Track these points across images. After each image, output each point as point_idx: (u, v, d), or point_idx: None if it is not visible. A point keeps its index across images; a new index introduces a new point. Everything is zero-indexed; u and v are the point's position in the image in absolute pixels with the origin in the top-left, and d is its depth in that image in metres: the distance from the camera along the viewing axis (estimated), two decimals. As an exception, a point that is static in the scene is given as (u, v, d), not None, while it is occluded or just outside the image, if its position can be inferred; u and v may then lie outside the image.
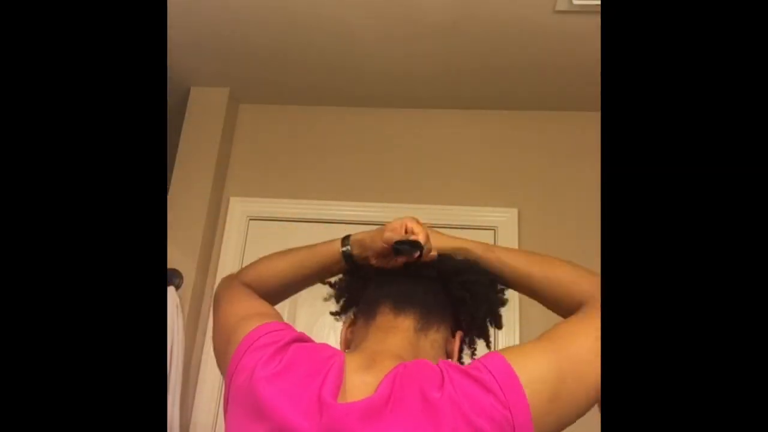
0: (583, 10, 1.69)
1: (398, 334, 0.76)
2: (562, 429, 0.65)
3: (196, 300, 2.00)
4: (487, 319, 0.88)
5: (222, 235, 2.12)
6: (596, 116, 2.12)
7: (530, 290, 0.86)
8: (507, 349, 0.69)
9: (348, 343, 0.82)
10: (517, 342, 1.91)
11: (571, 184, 2.11)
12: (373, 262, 0.85)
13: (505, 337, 1.92)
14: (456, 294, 0.83)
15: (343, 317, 0.90)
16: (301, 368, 0.67)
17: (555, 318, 2.21)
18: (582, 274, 0.80)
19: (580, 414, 0.65)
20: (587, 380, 0.64)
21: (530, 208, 2.09)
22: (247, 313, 0.77)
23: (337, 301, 0.92)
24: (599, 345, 0.65)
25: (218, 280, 2.32)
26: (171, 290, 1.86)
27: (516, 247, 2.03)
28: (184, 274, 1.95)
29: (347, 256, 0.88)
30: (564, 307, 0.79)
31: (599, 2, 1.61)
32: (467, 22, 1.80)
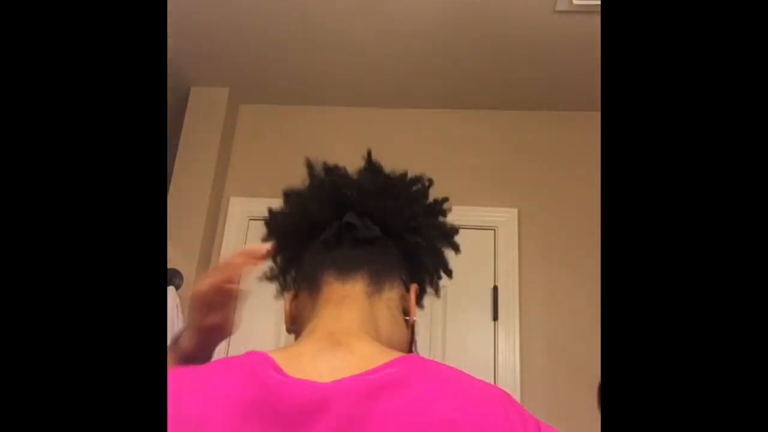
0: (583, 10, 1.69)
1: (352, 305, 0.66)
2: None
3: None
4: (440, 266, 0.78)
5: (222, 235, 2.12)
6: (596, 116, 2.13)
7: None
8: None
9: (294, 319, 0.72)
10: (517, 342, 1.91)
11: (571, 184, 2.11)
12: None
13: (504, 334, 1.92)
14: (408, 241, 0.74)
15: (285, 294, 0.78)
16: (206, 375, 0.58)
17: (555, 315, 2.19)
18: None
19: None
20: None
21: (530, 208, 2.09)
22: None
23: (275, 281, 0.82)
24: None
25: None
26: (171, 290, 1.87)
27: (516, 247, 2.03)
28: (184, 274, 1.95)
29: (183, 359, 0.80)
30: None
31: (599, 2, 1.61)
32: (467, 22, 1.80)
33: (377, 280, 0.69)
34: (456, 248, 0.79)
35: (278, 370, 0.56)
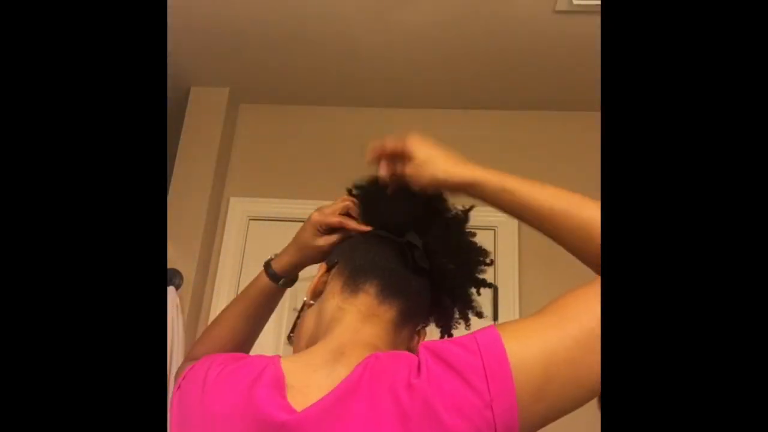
0: (583, 10, 1.69)
1: (378, 324, 0.69)
2: (559, 414, 0.57)
3: (196, 300, 2.00)
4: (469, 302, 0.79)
5: (222, 235, 2.12)
6: (596, 116, 2.12)
7: (552, 233, 0.72)
8: (505, 325, 0.61)
9: (317, 295, 0.74)
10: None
11: (571, 184, 2.10)
12: (322, 242, 0.82)
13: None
14: (442, 302, 0.77)
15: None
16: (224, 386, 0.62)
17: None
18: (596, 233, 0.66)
19: (581, 400, 0.57)
20: (592, 360, 0.55)
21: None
22: None
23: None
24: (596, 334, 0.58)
25: (218, 280, 2.31)
26: (171, 290, 1.86)
27: (516, 247, 2.03)
28: (184, 274, 1.95)
29: (272, 275, 0.86)
30: (587, 255, 0.67)
31: (599, 2, 1.61)
32: (467, 22, 1.80)
33: (408, 315, 0.72)
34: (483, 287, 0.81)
35: (278, 384, 0.60)
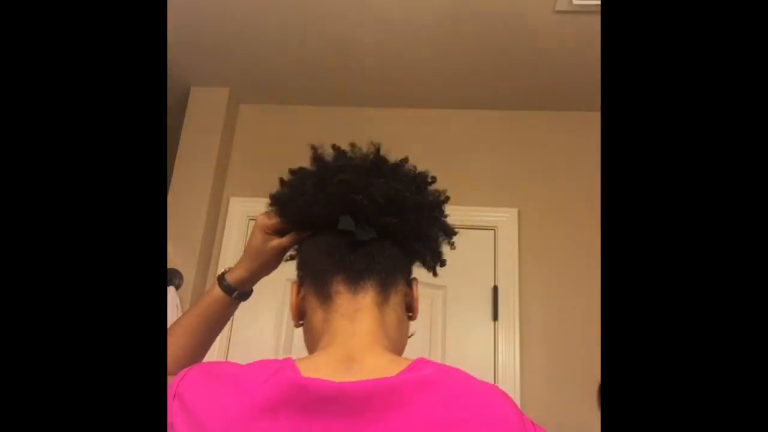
0: (583, 10, 1.69)
1: (364, 315, 0.68)
2: None
3: (196, 300, 2.00)
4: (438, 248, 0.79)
5: (222, 235, 2.12)
6: (596, 116, 2.13)
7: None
8: None
9: (301, 315, 0.74)
10: (517, 342, 1.91)
11: (571, 184, 2.11)
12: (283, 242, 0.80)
13: (504, 334, 1.92)
14: (413, 248, 0.75)
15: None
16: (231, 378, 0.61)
17: (555, 315, 2.19)
18: None
19: None
20: None
21: (530, 208, 2.09)
22: None
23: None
24: None
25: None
26: (171, 290, 1.87)
27: (516, 247, 2.03)
28: (184, 274, 1.95)
29: (227, 288, 0.84)
30: None
31: (599, 2, 1.61)
32: (467, 21, 1.80)
33: (385, 287, 0.71)
34: (453, 247, 0.79)
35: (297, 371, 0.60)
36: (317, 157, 0.80)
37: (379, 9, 1.78)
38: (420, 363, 0.61)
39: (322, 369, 0.61)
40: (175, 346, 0.83)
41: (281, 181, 0.81)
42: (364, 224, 0.71)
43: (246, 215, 2.14)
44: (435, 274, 0.79)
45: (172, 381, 0.64)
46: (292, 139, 2.26)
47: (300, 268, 0.76)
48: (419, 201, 0.76)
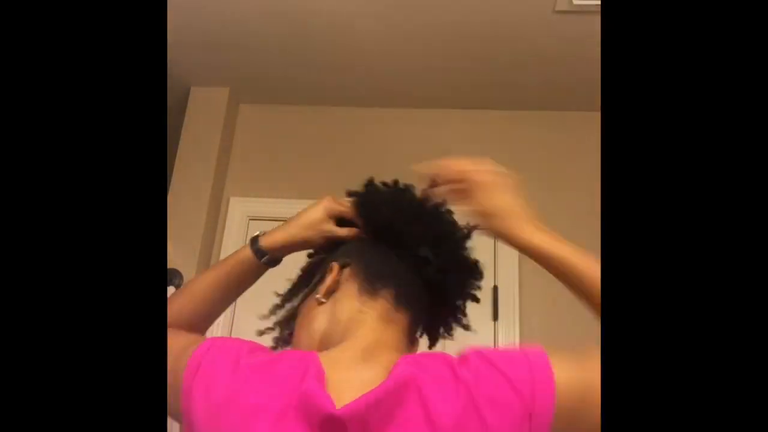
0: (583, 10, 1.69)
1: (395, 330, 0.71)
2: None
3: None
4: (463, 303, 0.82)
5: (222, 235, 2.12)
6: (596, 116, 2.12)
7: (580, 295, 0.75)
8: (551, 351, 0.65)
9: (330, 294, 0.74)
10: (517, 342, 1.91)
11: (571, 184, 2.11)
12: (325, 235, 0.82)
13: (504, 334, 1.92)
14: (439, 319, 0.80)
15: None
16: (270, 374, 0.61)
17: (555, 315, 2.19)
18: None
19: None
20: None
21: (530, 208, 2.09)
22: (184, 344, 0.68)
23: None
24: None
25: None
26: (171, 290, 1.87)
27: (516, 247, 2.03)
28: (184, 274, 1.95)
29: (258, 250, 0.83)
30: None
31: (599, 2, 1.61)
32: (467, 22, 1.80)
33: (416, 324, 0.75)
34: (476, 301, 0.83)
35: (322, 380, 0.60)
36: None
37: (379, 9, 1.78)
38: (393, 369, 0.61)
39: (342, 362, 0.63)
40: (191, 299, 0.83)
41: (368, 184, 0.85)
42: (436, 269, 0.75)
43: (246, 215, 2.14)
44: (431, 345, 0.83)
45: (195, 351, 0.64)
46: (292, 139, 2.26)
47: (350, 256, 0.77)
48: (471, 288, 0.80)
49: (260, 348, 0.67)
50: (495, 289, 1.97)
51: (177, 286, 1.91)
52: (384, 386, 0.58)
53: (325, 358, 0.63)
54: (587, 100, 2.07)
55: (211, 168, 2.12)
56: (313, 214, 0.83)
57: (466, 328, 0.82)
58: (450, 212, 0.82)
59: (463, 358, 0.62)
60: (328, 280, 0.74)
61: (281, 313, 0.83)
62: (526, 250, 0.75)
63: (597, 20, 1.72)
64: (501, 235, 0.76)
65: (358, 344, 0.67)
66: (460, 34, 1.86)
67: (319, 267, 0.80)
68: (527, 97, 2.14)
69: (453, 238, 0.79)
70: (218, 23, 1.89)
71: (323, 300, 0.74)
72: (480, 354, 0.62)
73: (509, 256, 2.02)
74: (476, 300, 0.81)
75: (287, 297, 0.83)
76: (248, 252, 0.84)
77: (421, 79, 2.09)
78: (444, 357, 0.64)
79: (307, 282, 0.81)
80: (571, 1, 1.66)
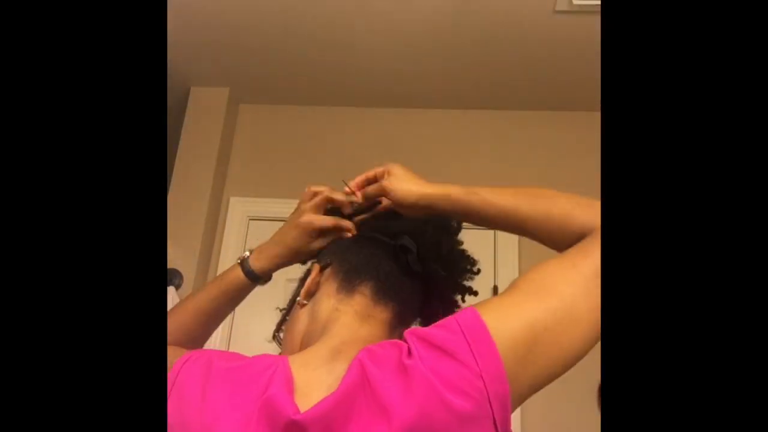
0: (583, 10, 1.70)
1: (374, 325, 0.70)
2: (548, 380, 0.61)
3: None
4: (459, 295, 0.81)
5: (222, 235, 2.12)
6: (596, 116, 2.13)
7: (521, 230, 0.73)
8: (482, 303, 0.63)
9: (310, 295, 0.74)
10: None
11: (571, 184, 2.11)
12: (314, 245, 0.80)
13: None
14: (434, 306, 0.78)
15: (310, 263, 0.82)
16: (230, 382, 0.60)
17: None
18: (578, 204, 0.69)
19: (569, 362, 0.62)
20: (574, 326, 0.59)
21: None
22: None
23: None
24: (592, 282, 0.61)
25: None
26: (171, 290, 1.87)
27: (516, 247, 2.03)
28: (184, 274, 1.95)
29: (250, 274, 0.83)
30: (560, 243, 0.69)
31: (599, 2, 1.61)
32: (467, 22, 1.80)
33: (402, 317, 0.73)
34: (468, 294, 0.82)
35: (288, 384, 0.59)
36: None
37: (379, 10, 1.78)
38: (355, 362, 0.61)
39: (311, 364, 0.62)
40: (184, 322, 0.83)
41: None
42: (417, 258, 0.74)
43: (246, 215, 2.14)
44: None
45: (175, 363, 0.64)
46: (292, 139, 2.26)
47: (331, 255, 0.77)
48: (461, 279, 0.79)
49: (236, 356, 0.65)
50: (495, 289, 1.97)
51: (177, 286, 1.92)
52: (342, 386, 0.57)
53: (297, 360, 0.63)
54: (587, 100, 2.07)
55: (211, 168, 2.12)
56: (292, 241, 0.82)
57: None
58: None
59: (405, 345, 0.61)
60: (308, 281, 0.74)
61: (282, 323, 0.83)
62: (439, 196, 0.74)
63: (597, 20, 1.73)
64: (413, 191, 0.75)
65: (329, 343, 0.66)
66: (460, 35, 1.86)
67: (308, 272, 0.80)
68: (527, 97, 2.14)
69: (435, 227, 0.78)
70: (218, 23, 1.89)
71: (304, 302, 0.74)
72: (418, 336, 0.60)
73: (509, 256, 2.02)
74: (474, 293, 0.80)
75: (288, 310, 0.83)
76: (240, 276, 0.84)
77: (421, 79, 2.09)
78: (396, 345, 0.61)
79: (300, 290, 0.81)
80: (571, 1, 1.66)
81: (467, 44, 1.90)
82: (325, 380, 0.60)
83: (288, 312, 0.81)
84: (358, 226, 0.80)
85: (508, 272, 1.99)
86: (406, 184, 0.75)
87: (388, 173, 0.77)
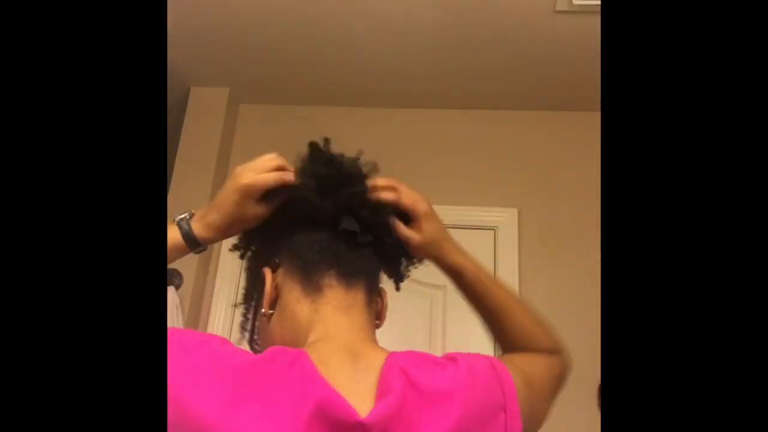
0: (583, 10, 1.70)
1: (357, 312, 0.69)
2: (538, 424, 0.71)
3: (196, 300, 2.00)
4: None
5: (222, 235, 2.12)
6: (596, 116, 2.13)
7: (491, 324, 0.87)
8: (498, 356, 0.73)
9: (274, 302, 0.71)
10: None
11: (571, 184, 2.11)
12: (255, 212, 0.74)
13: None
14: (391, 252, 0.77)
15: (247, 256, 0.78)
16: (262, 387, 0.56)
17: (555, 315, 2.19)
18: (546, 330, 0.88)
19: (545, 414, 0.74)
20: (545, 392, 0.75)
21: (530, 208, 2.09)
22: None
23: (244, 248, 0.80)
24: (551, 390, 0.77)
25: (218, 280, 2.31)
26: (171, 290, 1.87)
27: (516, 247, 2.03)
28: (184, 274, 1.95)
29: (190, 239, 0.76)
30: (516, 347, 0.84)
31: (599, 2, 1.61)
32: (467, 22, 1.80)
33: (372, 289, 0.73)
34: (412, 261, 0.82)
35: (330, 386, 0.56)
36: (315, 156, 0.77)
37: (379, 10, 1.78)
38: (391, 367, 0.60)
39: (330, 363, 0.59)
40: None
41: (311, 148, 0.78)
42: (363, 229, 0.72)
43: (246, 215, 2.14)
44: (398, 288, 0.82)
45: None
46: (292, 139, 2.24)
47: (279, 254, 0.73)
48: (385, 209, 0.77)
49: (241, 351, 0.61)
50: (495, 289, 1.97)
51: (177, 287, 1.91)
52: (395, 388, 0.57)
53: (314, 358, 0.60)
54: (587, 100, 2.07)
55: (211, 168, 2.12)
56: (233, 207, 0.74)
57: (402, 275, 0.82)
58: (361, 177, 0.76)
59: (452, 360, 0.64)
60: (267, 289, 0.71)
61: (248, 326, 0.79)
62: (454, 269, 0.80)
63: (597, 20, 1.73)
64: (437, 259, 0.80)
65: (332, 343, 0.64)
66: (460, 35, 1.86)
67: (257, 275, 0.76)
68: (527, 97, 2.14)
69: (367, 205, 0.74)
70: (218, 23, 1.89)
71: (270, 312, 0.70)
72: (457, 359, 0.65)
73: (509, 256, 2.03)
74: (413, 260, 0.81)
75: (246, 307, 0.79)
76: (178, 240, 0.77)
77: (421, 79, 2.09)
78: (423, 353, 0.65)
79: (254, 286, 0.77)
80: (571, 1, 1.66)
81: (467, 44, 1.90)
82: (362, 381, 0.59)
83: (254, 319, 0.77)
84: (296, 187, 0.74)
85: (508, 272, 1.99)
86: (433, 250, 0.80)
87: (418, 225, 0.77)
